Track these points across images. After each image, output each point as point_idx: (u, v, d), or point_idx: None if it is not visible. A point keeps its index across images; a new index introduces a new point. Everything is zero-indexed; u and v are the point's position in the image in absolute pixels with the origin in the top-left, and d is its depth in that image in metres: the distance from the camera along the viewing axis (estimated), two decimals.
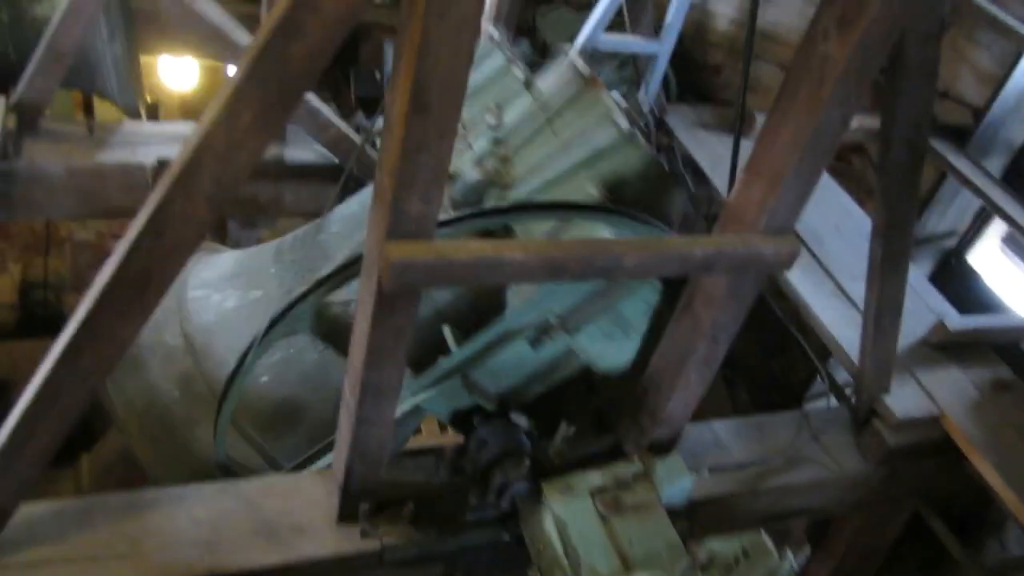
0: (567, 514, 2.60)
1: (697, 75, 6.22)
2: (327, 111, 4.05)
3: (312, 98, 4.04)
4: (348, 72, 5.64)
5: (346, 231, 3.23)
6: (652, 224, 2.79)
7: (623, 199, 2.91)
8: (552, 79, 3.26)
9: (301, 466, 2.96)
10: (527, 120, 3.23)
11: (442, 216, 2.58)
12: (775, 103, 2.24)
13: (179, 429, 3.17)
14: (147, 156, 3.97)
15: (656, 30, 4.47)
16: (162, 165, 3.90)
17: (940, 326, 3.71)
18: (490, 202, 3.09)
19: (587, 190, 2.92)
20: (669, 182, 3.04)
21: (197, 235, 1.86)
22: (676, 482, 2.86)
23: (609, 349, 2.88)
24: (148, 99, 7.53)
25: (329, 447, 2.85)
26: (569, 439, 2.86)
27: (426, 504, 2.71)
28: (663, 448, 2.98)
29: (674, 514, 2.76)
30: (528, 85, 3.32)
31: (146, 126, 4.33)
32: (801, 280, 3.89)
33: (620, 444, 3.02)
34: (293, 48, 1.61)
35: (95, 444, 4.60)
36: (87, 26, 3.68)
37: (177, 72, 6.53)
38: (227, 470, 3.06)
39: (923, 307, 3.97)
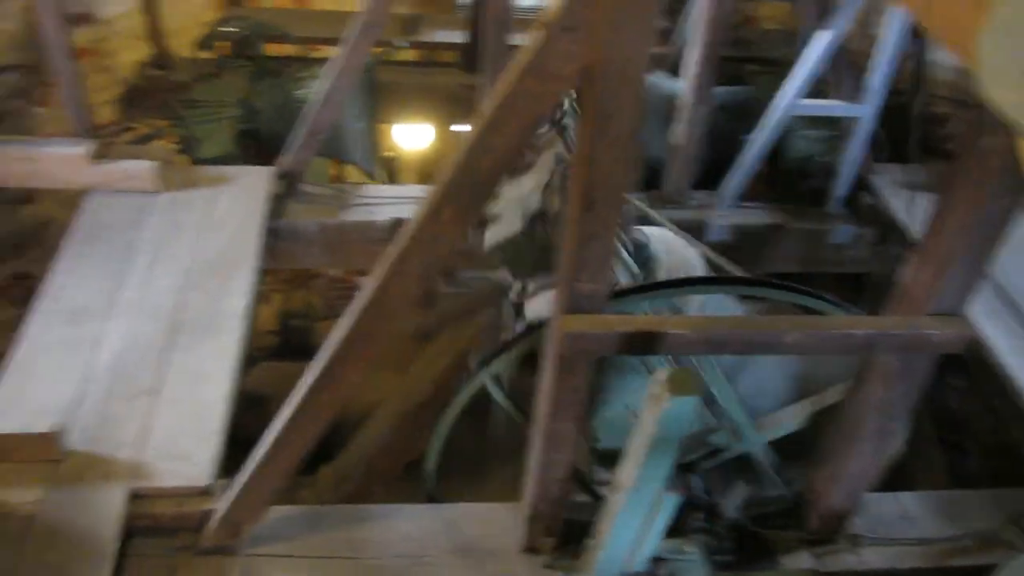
0: None
1: (918, 128, 6.01)
2: None
3: None
4: None
5: None
6: (831, 302, 2.86)
7: None
8: None
9: None
10: None
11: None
12: (942, 190, 2.30)
13: None
14: (384, 215, 4.58)
15: (859, 92, 4.47)
16: (396, 223, 4.49)
17: None
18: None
19: None
20: None
21: (409, 306, 2.29)
22: None
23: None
24: (390, 156, 8.43)
25: None
26: (745, 498, 3.00)
27: None
28: (839, 515, 3.03)
29: None
30: None
31: (384, 189, 4.97)
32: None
33: (798, 506, 3.10)
34: (483, 162, 1.99)
35: (332, 459, 5.27)
36: (339, 108, 4.36)
37: (413, 136, 7.26)
38: (433, 498, 3.48)
39: None
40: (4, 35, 5.32)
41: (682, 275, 3.14)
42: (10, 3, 5.19)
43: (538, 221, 3.23)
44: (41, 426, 2.91)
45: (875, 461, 2.88)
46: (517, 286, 3.47)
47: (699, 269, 3.36)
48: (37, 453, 2.90)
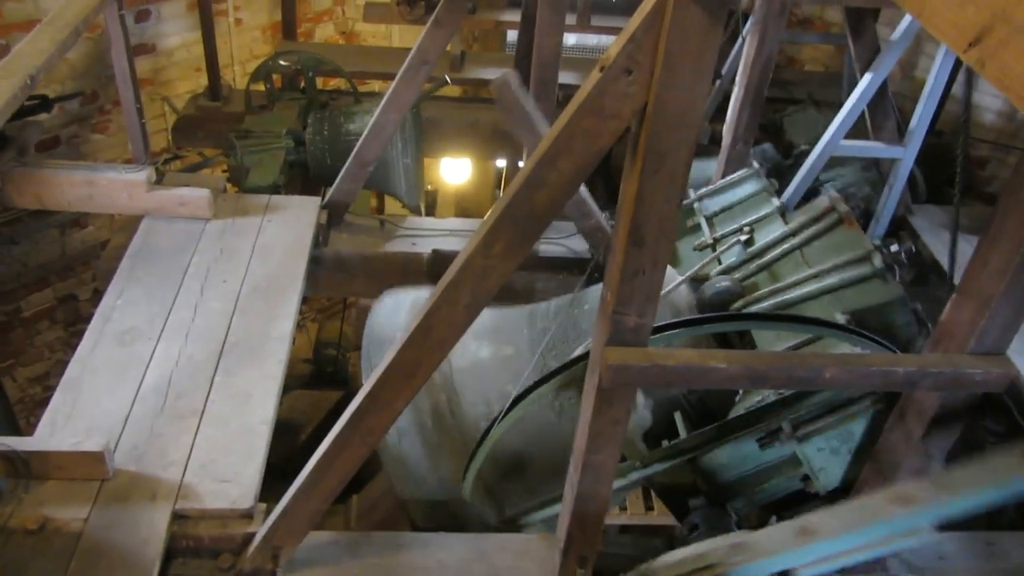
0: None
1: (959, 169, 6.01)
2: (592, 202, 4.41)
3: (583, 188, 4.34)
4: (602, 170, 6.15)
5: (597, 309, 3.61)
6: (878, 342, 2.88)
7: (865, 326, 3.14)
8: (808, 213, 3.75)
9: (522, 513, 3.33)
10: (778, 244, 3.74)
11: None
12: (985, 229, 2.33)
13: (428, 452, 3.64)
14: (425, 247, 4.67)
15: (900, 134, 4.52)
16: (436, 255, 4.57)
17: None
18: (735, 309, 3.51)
19: (832, 315, 3.23)
20: (904, 303, 3.30)
21: (456, 334, 2.34)
22: None
23: (832, 464, 3.01)
24: (429, 188, 8.58)
25: (549, 502, 3.21)
26: None
27: None
28: None
29: None
30: (783, 213, 3.85)
31: (425, 221, 5.07)
32: None
33: None
34: (537, 196, 2.05)
35: (364, 487, 5.32)
36: (387, 141, 4.47)
37: (453, 170, 7.43)
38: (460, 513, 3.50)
39: None
40: (66, 64, 5.54)
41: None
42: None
43: None
44: (90, 445, 2.97)
45: None
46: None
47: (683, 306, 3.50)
48: (86, 471, 2.97)
